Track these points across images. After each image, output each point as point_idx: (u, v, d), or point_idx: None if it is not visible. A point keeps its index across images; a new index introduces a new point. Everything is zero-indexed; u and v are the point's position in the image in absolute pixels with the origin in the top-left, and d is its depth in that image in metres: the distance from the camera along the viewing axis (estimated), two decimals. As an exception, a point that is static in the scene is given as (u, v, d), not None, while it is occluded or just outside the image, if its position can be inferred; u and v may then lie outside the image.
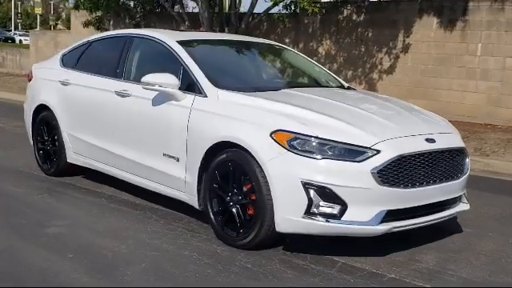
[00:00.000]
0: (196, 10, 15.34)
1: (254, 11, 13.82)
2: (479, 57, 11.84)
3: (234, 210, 4.65)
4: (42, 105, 6.91)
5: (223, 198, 4.75)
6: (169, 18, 17.16)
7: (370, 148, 4.25)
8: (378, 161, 4.22)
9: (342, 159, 4.23)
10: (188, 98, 5.11)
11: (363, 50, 13.39)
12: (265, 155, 4.36)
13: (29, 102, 7.27)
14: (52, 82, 6.81)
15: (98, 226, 5.13)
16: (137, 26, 16.88)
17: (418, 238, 4.89)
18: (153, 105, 5.36)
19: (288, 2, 12.60)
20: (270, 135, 4.38)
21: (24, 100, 7.54)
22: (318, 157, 4.22)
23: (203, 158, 4.85)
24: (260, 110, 4.66)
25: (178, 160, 5.13)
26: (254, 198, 4.50)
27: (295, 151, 4.27)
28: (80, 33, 19.41)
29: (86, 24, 16.16)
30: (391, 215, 4.30)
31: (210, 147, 4.77)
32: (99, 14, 16.33)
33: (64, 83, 6.60)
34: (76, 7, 15.88)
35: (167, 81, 5.12)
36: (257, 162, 4.40)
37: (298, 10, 13.19)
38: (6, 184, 6.44)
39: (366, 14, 13.41)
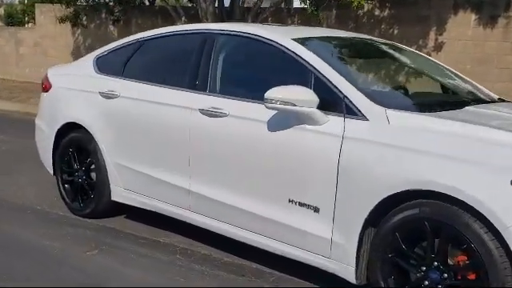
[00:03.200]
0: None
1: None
2: (525, 57, 10.61)
3: (432, 292, 3.12)
4: (70, 123, 5.20)
5: (410, 273, 3.22)
6: (152, 14, 15.43)
7: None
8: None
9: None
10: (334, 122, 3.52)
11: (388, 48, 11.96)
12: (506, 215, 2.83)
13: (47, 118, 5.51)
14: (87, 94, 5.09)
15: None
16: (116, 21, 15.08)
17: None
18: (270, 129, 3.76)
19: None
20: (513, 184, 2.86)
21: (34, 114, 5.82)
22: None
23: (370, 213, 3.31)
24: (475, 140, 3.11)
25: (316, 210, 3.56)
26: (472, 277, 2.99)
27: None
28: (46, 29, 17.46)
29: (63, 19, 14.25)
30: None
31: (387, 197, 3.23)
32: (72, 8, 14.47)
33: (107, 95, 4.89)
34: (51, 1, 13.99)
35: (303, 97, 3.53)
36: (489, 224, 2.88)
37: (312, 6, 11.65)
38: (32, 233, 4.71)
39: (390, 9, 11.99)
